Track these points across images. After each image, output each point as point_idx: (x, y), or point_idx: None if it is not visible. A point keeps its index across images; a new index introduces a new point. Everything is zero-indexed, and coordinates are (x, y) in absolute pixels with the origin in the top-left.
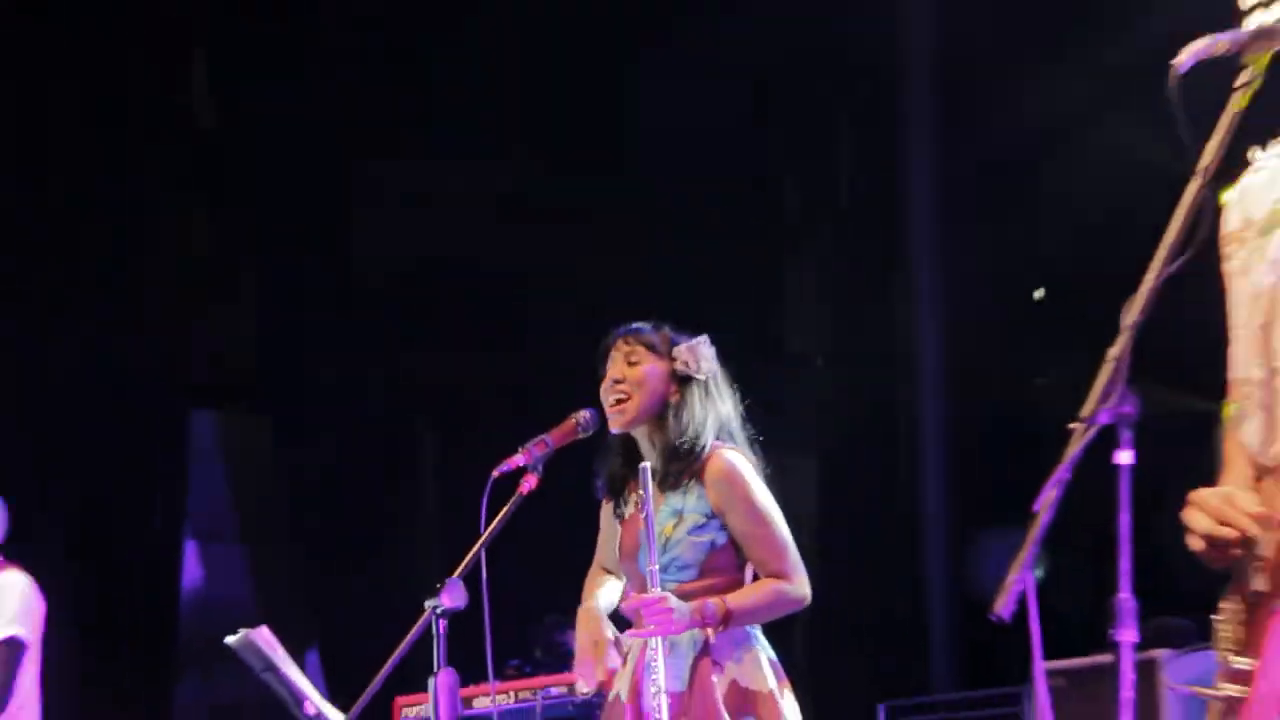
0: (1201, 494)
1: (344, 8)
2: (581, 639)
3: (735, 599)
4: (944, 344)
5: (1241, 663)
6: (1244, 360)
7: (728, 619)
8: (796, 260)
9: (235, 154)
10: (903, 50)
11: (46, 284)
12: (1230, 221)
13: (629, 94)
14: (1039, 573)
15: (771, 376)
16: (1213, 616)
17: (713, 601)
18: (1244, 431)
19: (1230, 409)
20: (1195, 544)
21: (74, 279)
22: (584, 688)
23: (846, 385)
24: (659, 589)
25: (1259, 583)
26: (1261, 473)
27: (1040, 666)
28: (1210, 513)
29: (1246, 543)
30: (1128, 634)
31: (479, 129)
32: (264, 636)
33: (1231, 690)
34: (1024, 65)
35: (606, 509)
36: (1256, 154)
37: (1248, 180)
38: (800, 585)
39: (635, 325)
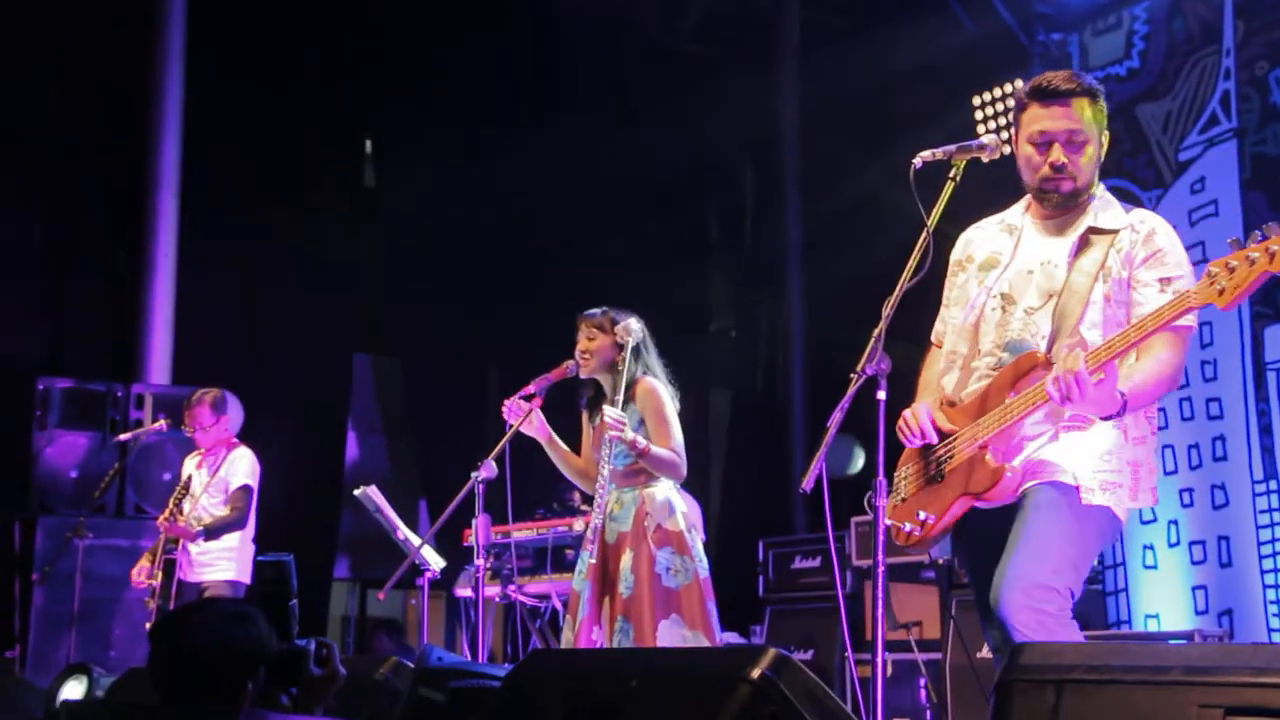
0: (912, 410)
1: None
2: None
3: (653, 448)
4: (805, 325)
5: (924, 515)
6: (954, 339)
7: (646, 452)
8: (719, 273)
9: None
10: (782, 148)
11: (265, 273)
12: (958, 252)
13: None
14: (860, 463)
15: (703, 343)
16: (896, 473)
17: (642, 440)
18: (945, 380)
19: (930, 359)
20: (901, 438)
21: (286, 276)
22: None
23: (748, 348)
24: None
25: (947, 469)
26: (951, 404)
27: (829, 518)
28: (913, 423)
29: (933, 444)
30: (881, 500)
31: None
32: (374, 491)
33: (910, 526)
34: (852, 158)
35: (585, 419)
36: (984, 219)
37: (973, 232)
38: (682, 464)
39: (589, 312)
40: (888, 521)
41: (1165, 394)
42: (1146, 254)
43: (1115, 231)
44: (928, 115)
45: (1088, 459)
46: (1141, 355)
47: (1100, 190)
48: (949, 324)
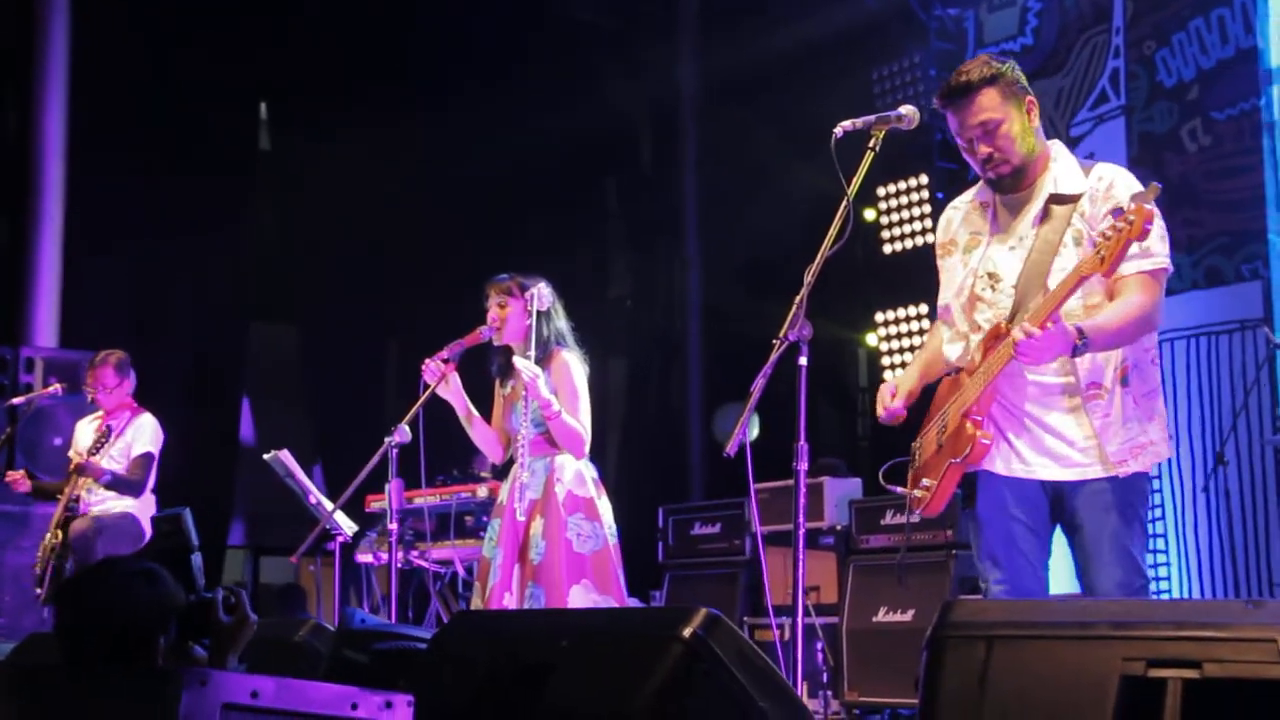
0: (882, 388)
1: None
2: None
3: (564, 413)
4: (701, 293)
5: (927, 481)
6: (956, 319)
7: (556, 416)
8: (617, 241)
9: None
10: (682, 117)
11: (157, 238)
12: (941, 234)
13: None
14: (755, 431)
15: (600, 310)
16: (914, 443)
17: (556, 402)
18: (947, 350)
19: (932, 331)
20: (878, 414)
21: (178, 240)
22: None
23: (644, 316)
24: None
25: (943, 438)
26: (958, 371)
27: (752, 485)
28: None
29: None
30: (802, 465)
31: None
32: (286, 455)
33: (918, 493)
34: (751, 129)
35: (496, 387)
36: (959, 197)
37: (951, 211)
38: (586, 440)
39: (497, 277)
40: (901, 490)
41: (1142, 334)
42: (1108, 208)
43: (1077, 197)
44: (826, 87)
45: (1111, 433)
46: (1113, 298)
47: (1056, 149)
48: (948, 304)
